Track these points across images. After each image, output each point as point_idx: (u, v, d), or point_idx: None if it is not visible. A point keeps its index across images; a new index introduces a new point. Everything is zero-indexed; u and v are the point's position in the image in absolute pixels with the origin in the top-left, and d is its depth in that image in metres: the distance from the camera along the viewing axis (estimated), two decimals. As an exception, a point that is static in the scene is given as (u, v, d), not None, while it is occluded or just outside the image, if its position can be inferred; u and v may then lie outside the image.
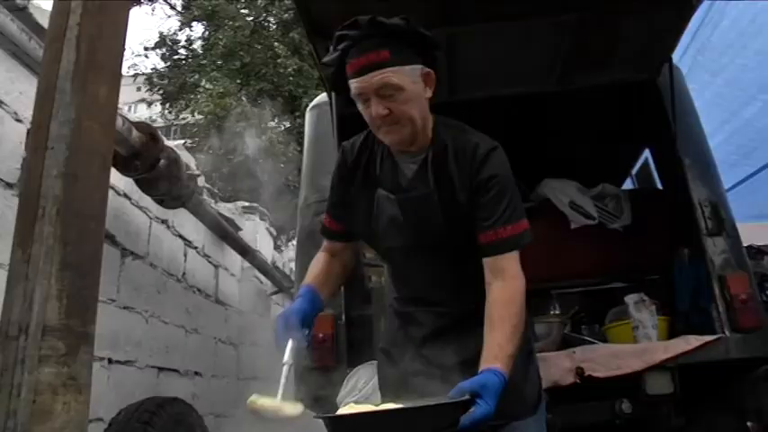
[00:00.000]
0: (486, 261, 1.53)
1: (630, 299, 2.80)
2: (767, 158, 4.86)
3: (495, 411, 1.32)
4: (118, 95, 1.52)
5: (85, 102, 1.39)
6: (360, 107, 1.52)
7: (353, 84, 1.48)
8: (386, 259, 1.72)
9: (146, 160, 3.06)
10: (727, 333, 2.52)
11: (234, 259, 5.18)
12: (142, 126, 3.10)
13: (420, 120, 1.54)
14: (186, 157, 3.65)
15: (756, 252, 4.91)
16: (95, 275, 1.30)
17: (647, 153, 3.86)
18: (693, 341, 2.50)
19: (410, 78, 1.50)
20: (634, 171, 4.21)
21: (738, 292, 2.55)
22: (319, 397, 2.54)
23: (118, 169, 3.08)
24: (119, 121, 2.80)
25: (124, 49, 1.62)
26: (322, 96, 3.14)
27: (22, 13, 2.57)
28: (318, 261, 1.72)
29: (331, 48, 1.55)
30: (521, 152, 3.06)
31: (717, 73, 4.08)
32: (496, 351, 1.39)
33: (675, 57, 3.05)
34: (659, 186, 3.65)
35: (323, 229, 1.74)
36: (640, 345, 2.65)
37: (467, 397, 1.25)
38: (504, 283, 1.50)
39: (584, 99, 3.04)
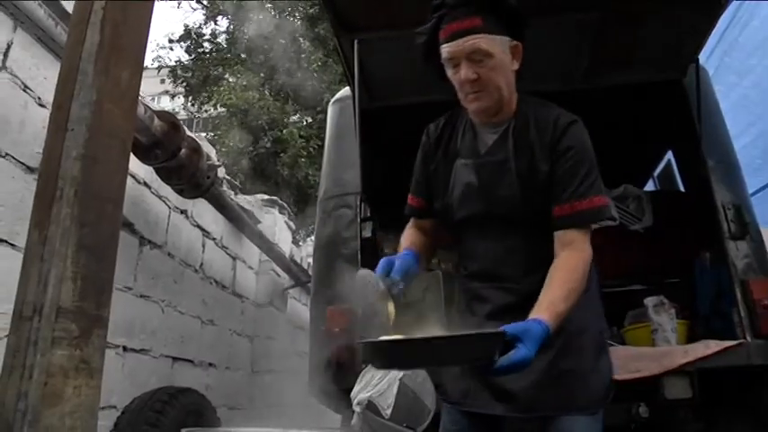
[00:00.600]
0: (558, 234, 1.54)
1: (650, 301, 2.76)
2: (795, 163, 4.79)
3: (552, 394, 1.44)
4: (140, 81, 1.52)
5: (107, 85, 1.40)
6: (449, 73, 1.57)
7: (445, 48, 1.54)
8: (459, 233, 1.70)
9: (166, 149, 3.08)
10: (748, 338, 2.47)
11: (252, 251, 5.20)
12: (164, 115, 3.12)
13: (506, 89, 1.59)
14: (207, 148, 3.66)
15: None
16: (111, 259, 1.30)
17: (669, 154, 3.80)
18: (713, 346, 2.46)
19: (500, 47, 1.55)
20: (656, 172, 4.15)
21: (761, 298, 2.50)
22: (333, 392, 2.54)
23: (138, 157, 3.10)
24: (141, 109, 2.82)
25: (148, 36, 1.62)
26: (345, 91, 3.14)
27: (52, 1, 2.61)
28: (410, 233, 1.75)
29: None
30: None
31: (744, 74, 4.00)
32: (546, 305, 1.38)
33: (702, 57, 3.00)
34: (681, 188, 3.59)
35: (408, 208, 1.78)
36: (660, 348, 2.62)
37: (504, 331, 1.24)
38: (572, 252, 1.51)
39: (609, 98, 3.00)
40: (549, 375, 1.52)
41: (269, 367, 5.32)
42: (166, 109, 3.80)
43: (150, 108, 3.03)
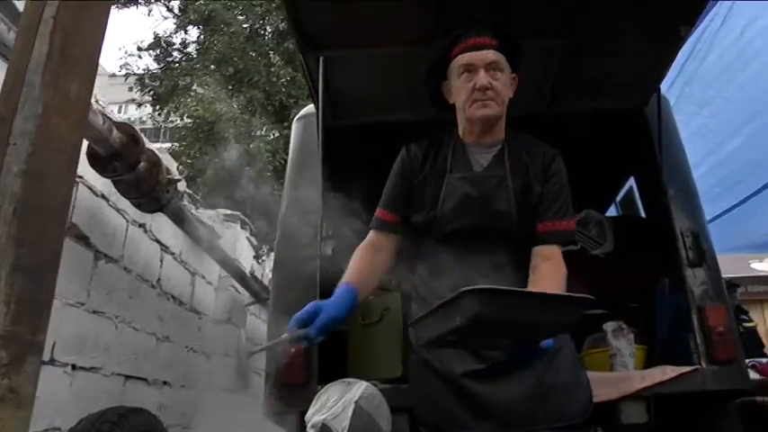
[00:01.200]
0: (539, 249, 1.70)
1: (609, 326, 2.77)
2: (748, 192, 4.91)
3: (541, 409, 1.55)
4: (91, 93, 1.46)
5: (55, 98, 1.33)
6: (458, 81, 1.69)
7: (465, 57, 1.67)
8: (441, 247, 1.73)
9: (125, 161, 3.00)
10: (703, 364, 2.50)
11: (211, 267, 5.10)
12: (123, 126, 3.05)
13: (505, 108, 1.73)
14: (168, 161, 3.58)
15: (729, 285, 4.94)
16: (51, 280, 1.23)
17: (631, 181, 3.85)
18: (670, 371, 2.48)
19: (507, 70, 1.72)
20: (618, 198, 4.20)
21: (716, 324, 2.53)
22: (287, 414, 2.48)
23: (96, 169, 3.02)
24: (99, 120, 2.74)
25: (101, 46, 1.56)
26: (309, 108, 3.11)
27: (4, 3, 2.52)
28: (363, 253, 1.76)
29: None
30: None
31: (703, 105, 4.11)
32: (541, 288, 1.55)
33: (664, 87, 3.06)
34: (643, 214, 3.64)
35: (376, 221, 1.81)
36: (617, 373, 2.62)
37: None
38: (554, 264, 1.68)
39: (572, 124, 3.03)
40: (539, 390, 1.60)
41: (226, 385, 5.20)
42: (133, 117, 3.71)
43: (109, 118, 2.95)
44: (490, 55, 1.66)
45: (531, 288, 1.58)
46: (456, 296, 1.27)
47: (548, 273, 1.66)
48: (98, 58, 1.54)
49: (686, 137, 3.08)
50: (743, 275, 7.82)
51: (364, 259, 1.75)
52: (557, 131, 3.22)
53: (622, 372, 2.65)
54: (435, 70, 1.78)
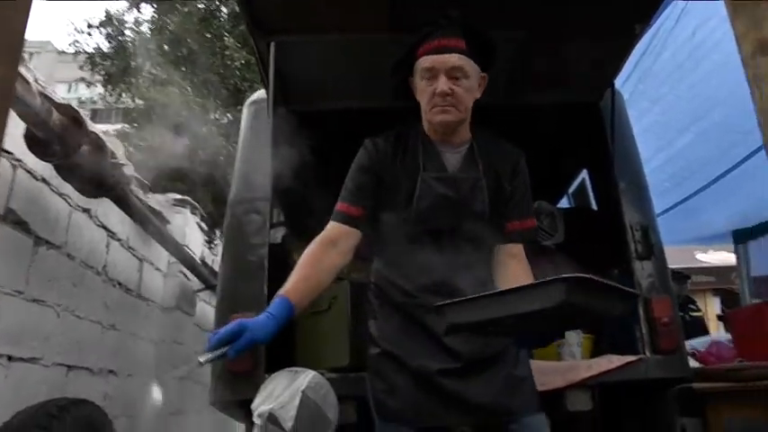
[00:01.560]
0: (506, 246, 1.76)
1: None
2: (696, 188, 5.07)
3: (517, 399, 1.65)
4: (16, 77, 1.36)
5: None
6: (422, 84, 1.68)
7: (427, 59, 1.65)
8: (409, 245, 1.72)
9: (66, 145, 2.86)
10: (648, 354, 2.58)
11: (160, 253, 4.96)
12: (64, 108, 2.90)
13: (467, 112, 1.73)
14: (114, 144, 3.44)
15: (680, 276, 5.11)
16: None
17: (584, 173, 3.91)
18: (616, 360, 2.54)
19: (474, 73, 1.69)
20: (571, 190, 4.26)
21: (661, 316, 2.60)
22: (233, 402, 2.44)
23: (35, 153, 2.87)
24: (37, 102, 2.60)
25: (26, 27, 1.45)
26: (261, 93, 3.04)
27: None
28: (313, 256, 1.70)
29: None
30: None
31: (656, 101, 4.19)
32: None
33: (618, 82, 3.09)
34: (594, 206, 3.70)
35: (338, 215, 1.76)
36: (565, 363, 2.68)
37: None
38: (522, 262, 1.75)
39: (527, 116, 3.05)
40: (511, 383, 1.68)
41: (175, 373, 5.08)
42: (84, 97, 3.55)
43: (50, 100, 2.80)
44: (453, 59, 1.64)
45: (506, 286, 1.60)
46: (543, 282, 1.31)
47: (521, 271, 1.73)
48: (22, 42, 1.43)
49: (638, 132, 3.14)
50: (689, 266, 8.09)
51: (312, 266, 1.69)
52: (511, 122, 3.24)
53: (570, 361, 2.70)
54: (401, 66, 1.76)
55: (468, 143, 1.77)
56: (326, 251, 1.71)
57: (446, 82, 1.63)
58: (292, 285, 1.64)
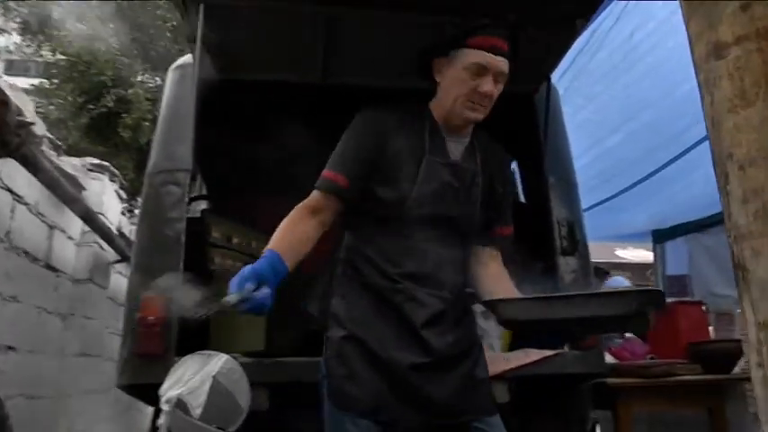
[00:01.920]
0: (488, 249, 1.80)
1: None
2: (621, 187, 5.24)
3: (477, 400, 1.66)
4: None
5: None
6: (462, 73, 1.63)
7: (481, 55, 1.61)
8: (403, 228, 1.67)
9: (-40, 97, 2.59)
10: (566, 349, 2.60)
11: (74, 221, 4.64)
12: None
13: None
14: (22, 100, 3.15)
15: (602, 272, 5.27)
16: None
17: (514, 165, 3.92)
18: (533, 355, 2.56)
19: None
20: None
21: None
22: (140, 387, 2.32)
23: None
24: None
25: None
26: (188, 57, 2.86)
27: None
28: (293, 222, 1.63)
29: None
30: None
31: (590, 99, 4.26)
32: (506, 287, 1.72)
33: (555, 77, 3.09)
34: (523, 199, 3.72)
35: (326, 182, 1.66)
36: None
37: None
38: (500, 264, 1.81)
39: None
40: (471, 384, 1.68)
41: (84, 350, 4.81)
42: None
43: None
44: (503, 65, 1.64)
45: (497, 286, 1.72)
46: (619, 291, 1.54)
47: (503, 273, 1.80)
48: None
49: (571, 129, 3.16)
50: (608, 261, 8.42)
51: (293, 228, 1.62)
52: None
53: (489, 354, 2.69)
54: (443, 48, 1.70)
55: (469, 136, 1.76)
56: (307, 220, 1.63)
57: (492, 83, 1.63)
58: (277, 244, 1.57)
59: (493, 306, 1.56)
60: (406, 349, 1.61)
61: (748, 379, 3.47)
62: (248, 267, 1.46)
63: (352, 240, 1.75)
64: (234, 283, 1.43)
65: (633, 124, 4.29)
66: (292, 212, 1.64)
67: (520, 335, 1.76)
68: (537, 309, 1.51)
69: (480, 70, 1.62)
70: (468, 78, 1.63)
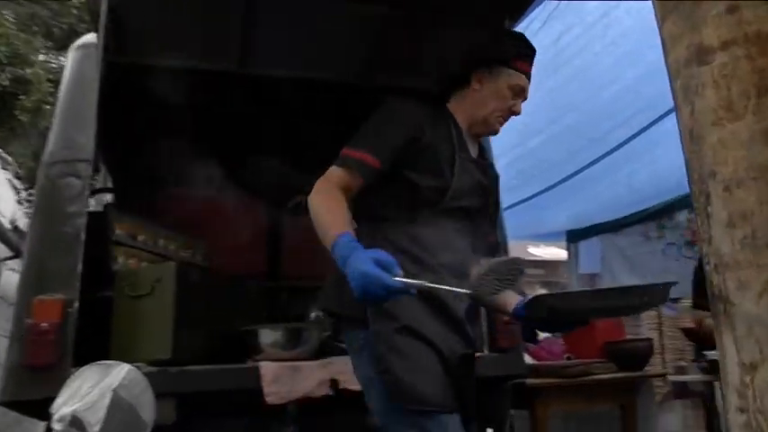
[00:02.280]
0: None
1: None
2: (540, 188, 5.38)
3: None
4: None
5: None
6: (503, 90, 1.74)
7: (522, 79, 1.75)
8: (440, 218, 1.68)
9: None
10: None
11: (-40, 212, 4.25)
12: None
13: None
14: None
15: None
16: None
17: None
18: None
19: None
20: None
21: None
22: (30, 402, 2.07)
23: None
24: None
25: None
26: (91, 36, 2.63)
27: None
28: (336, 199, 1.58)
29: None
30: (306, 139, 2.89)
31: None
32: None
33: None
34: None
35: (354, 161, 1.62)
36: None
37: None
38: None
39: (374, 98, 2.98)
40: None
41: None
42: None
43: None
44: (528, 88, 1.78)
45: None
46: (656, 284, 1.56)
47: None
48: None
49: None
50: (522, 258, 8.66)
51: (344, 208, 1.57)
52: (366, 102, 3.16)
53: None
54: (487, 60, 1.78)
55: (478, 143, 1.86)
56: (341, 195, 1.59)
57: (520, 105, 1.77)
58: (343, 221, 1.52)
59: (542, 299, 1.56)
60: (457, 341, 1.64)
61: (658, 375, 3.70)
62: (378, 253, 1.38)
63: (373, 229, 1.69)
64: (394, 266, 1.37)
65: (556, 126, 4.40)
66: (327, 190, 1.59)
67: (549, 322, 1.75)
68: (582, 300, 1.64)
69: (520, 93, 1.76)
70: (509, 97, 1.75)
